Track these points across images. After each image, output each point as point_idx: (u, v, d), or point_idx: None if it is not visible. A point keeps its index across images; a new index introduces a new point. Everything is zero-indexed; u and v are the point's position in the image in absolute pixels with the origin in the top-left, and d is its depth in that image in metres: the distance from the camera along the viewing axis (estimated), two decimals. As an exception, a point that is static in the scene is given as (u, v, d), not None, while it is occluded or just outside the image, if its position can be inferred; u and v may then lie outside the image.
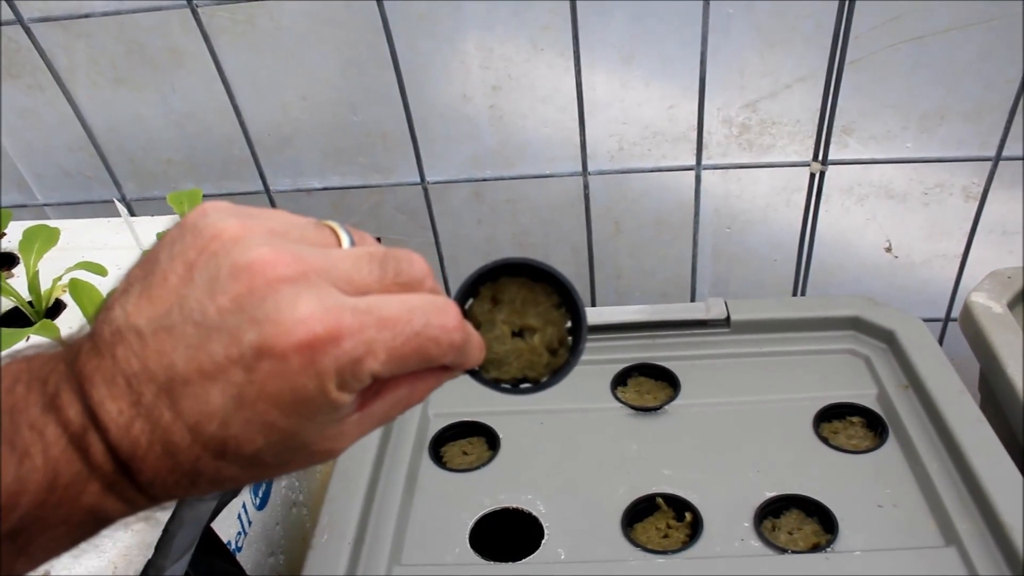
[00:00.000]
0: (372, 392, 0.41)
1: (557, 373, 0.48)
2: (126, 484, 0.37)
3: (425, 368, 0.41)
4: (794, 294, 1.30)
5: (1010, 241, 1.24)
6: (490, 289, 0.48)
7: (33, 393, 0.36)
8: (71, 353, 0.38)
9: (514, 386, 0.48)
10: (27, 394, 0.36)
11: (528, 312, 0.48)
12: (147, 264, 0.39)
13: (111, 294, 0.39)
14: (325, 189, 1.26)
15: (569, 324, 0.48)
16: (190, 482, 0.38)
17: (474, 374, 0.46)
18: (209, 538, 0.71)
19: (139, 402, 0.36)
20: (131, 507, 0.39)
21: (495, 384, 0.47)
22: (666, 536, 0.80)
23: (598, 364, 1.00)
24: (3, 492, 0.35)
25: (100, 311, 0.38)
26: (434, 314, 0.39)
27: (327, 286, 0.38)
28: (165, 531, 0.69)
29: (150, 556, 0.67)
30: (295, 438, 0.38)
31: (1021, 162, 1.15)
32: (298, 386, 0.36)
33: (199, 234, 0.38)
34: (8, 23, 1.10)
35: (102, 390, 0.36)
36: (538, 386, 0.48)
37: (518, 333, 0.48)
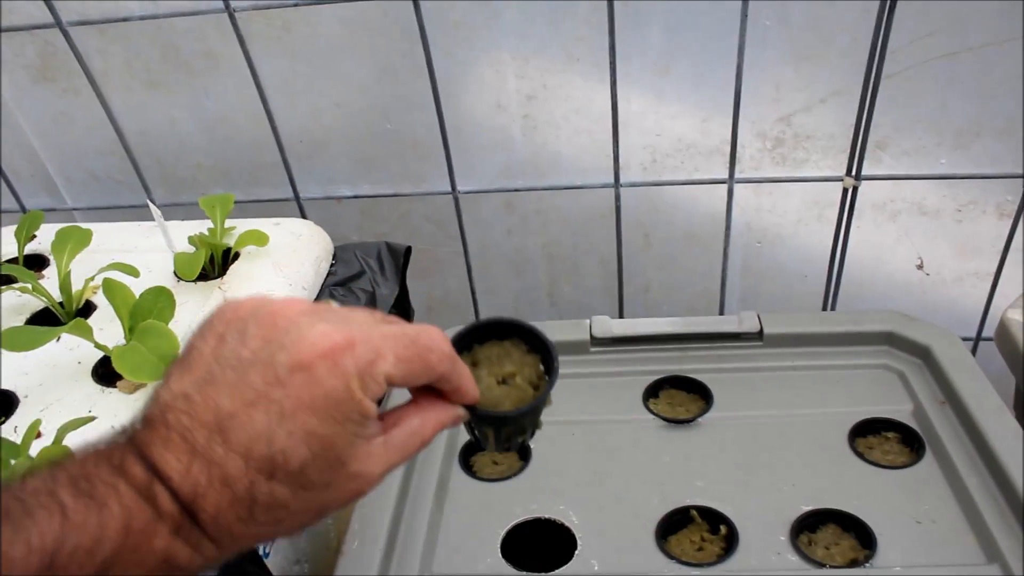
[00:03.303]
0: (391, 421, 0.49)
1: (543, 392, 0.56)
2: (191, 527, 0.43)
3: (429, 386, 0.50)
4: (823, 310, 1.29)
5: (1044, 260, 1.23)
6: (467, 356, 0.57)
7: (102, 465, 0.42)
8: (126, 435, 0.44)
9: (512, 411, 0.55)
10: (97, 465, 0.42)
11: (505, 362, 0.57)
12: (181, 356, 0.47)
13: (155, 388, 0.46)
14: (355, 197, 1.26)
15: (542, 366, 0.57)
16: (248, 513, 0.43)
17: (474, 412, 0.53)
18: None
19: (194, 449, 0.42)
20: (198, 552, 0.44)
21: (497, 413, 0.55)
22: (700, 549, 0.79)
23: (630, 376, 0.99)
24: (88, 537, 0.40)
25: (147, 402, 0.45)
26: (424, 330, 0.49)
27: (336, 318, 0.47)
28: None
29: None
30: (333, 448, 0.45)
31: (1056, 180, 1.14)
32: (328, 389, 0.44)
33: (221, 316, 0.47)
34: (46, 26, 1.11)
35: (160, 450, 0.42)
36: (532, 404, 0.55)
37: (503, 381, 0.56)
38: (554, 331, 1.00)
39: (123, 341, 0.82)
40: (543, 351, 0.58)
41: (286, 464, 0.43)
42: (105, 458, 0.43)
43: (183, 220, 1.09)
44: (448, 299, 1.36)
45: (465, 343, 0.58)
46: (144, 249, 1.06)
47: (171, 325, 0.83)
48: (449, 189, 1.22)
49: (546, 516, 0.83)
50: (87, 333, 0.81)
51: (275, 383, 0.44)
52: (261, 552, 0.80)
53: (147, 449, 0.43)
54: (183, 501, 0.42)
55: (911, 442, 0.89)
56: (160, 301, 0.85)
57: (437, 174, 1.21)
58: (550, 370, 0.57)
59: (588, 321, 1.02)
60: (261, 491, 0.43)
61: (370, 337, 0.46)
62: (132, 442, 0.43)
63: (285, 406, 0.43)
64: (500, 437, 0.58)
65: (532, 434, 0.60)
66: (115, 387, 0.81)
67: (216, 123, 1.20)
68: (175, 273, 0.99)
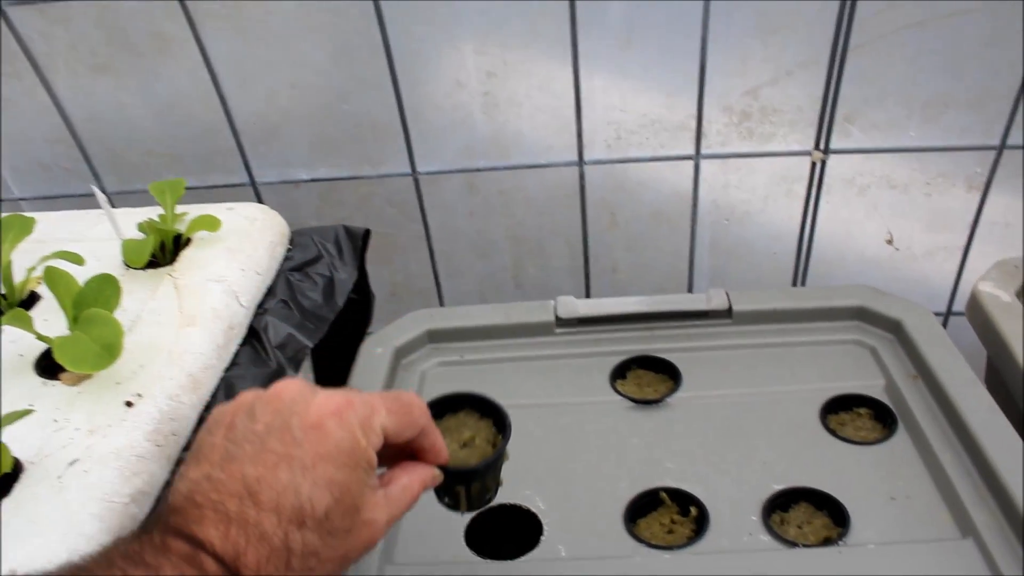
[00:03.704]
0: (385, 480, 0.56)
1: (500, 446, 0.64)
2: None
3: (408, 455, 0.59)
4: (793, 287, 1.27)
5: (1012, 233, 1.21)
6: None
7: (146, 547, 0.46)
8: (158, 523, 0.48)
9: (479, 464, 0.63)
10: (141, 547, 0.46)
11: (463, 429, 0.66)
12: (191, 453, 0.52)
13: (172, 485, 0.51)
14: (313, 181, 1.22)
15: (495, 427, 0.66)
16: (285, 564, 0.48)
17: (447, 471, 0.61)
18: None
19: (228, 516, 0.47)
20: None
21: (467, 468, 0.63)
22: (671, 531, 0.77)
23: (596, 357, 0.97)
24: None
25: (167, 497, 0.50)
26: (404, 392, 0.58)
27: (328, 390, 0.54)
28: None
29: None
30: (350, 493, 0.51)
31: (1025, 151, 1.13)
32: (339, 440, 0.51)
33: (222, 412, 0.53)
34: (-17, 7, 1.07)
35: (197, 526, 0.46)
36: (495, 455, 0.63)
37: (464, 445, 0.65)
38: (518, 313, 1.00)
39: (67, 332, 0.78)
40: (494, 414, 0.66)
41: (313, 511, 0.49)
42: (146, 542, 0.46)
43: (135, 208, 1.05)
44: (411, 284, 1.33)
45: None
46: (92, 238, 1.02)
47: (117, 314, 0.79)
48: (409, 170, 1.19)
49: (511, 502, 0.80)
50: (26, 324, 0.77)
51: (293, 443, 0.50)
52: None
53: (185, 528, 0.46)
54: (227, 563, 0.46)
55: (883, 418, 0.87)
56: (105, 289, 0.81)
57: (397, 156, 1.18)
58: (503, 427, 0.65)
59: (553, 302, 0.99)
60: (295, 541, 0.48)
61: (364, 397, 0.54)
62: (167, 527, 0.47)
63: (305, 461, 0.50)
64: (471, 493, 0.65)
65: (496, 491, 0.67)
66: (58, 380, 0.78)
67: (167, 107, 1.16)
68: (124, 261, 0.96)
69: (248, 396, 0.54)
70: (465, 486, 0.64)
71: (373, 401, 0.54)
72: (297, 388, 0.53)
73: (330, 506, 0.50)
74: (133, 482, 0.67)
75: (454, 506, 0.66)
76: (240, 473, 0.49)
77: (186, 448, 0.74)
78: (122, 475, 0.67)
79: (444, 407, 0.67)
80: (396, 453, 0.58)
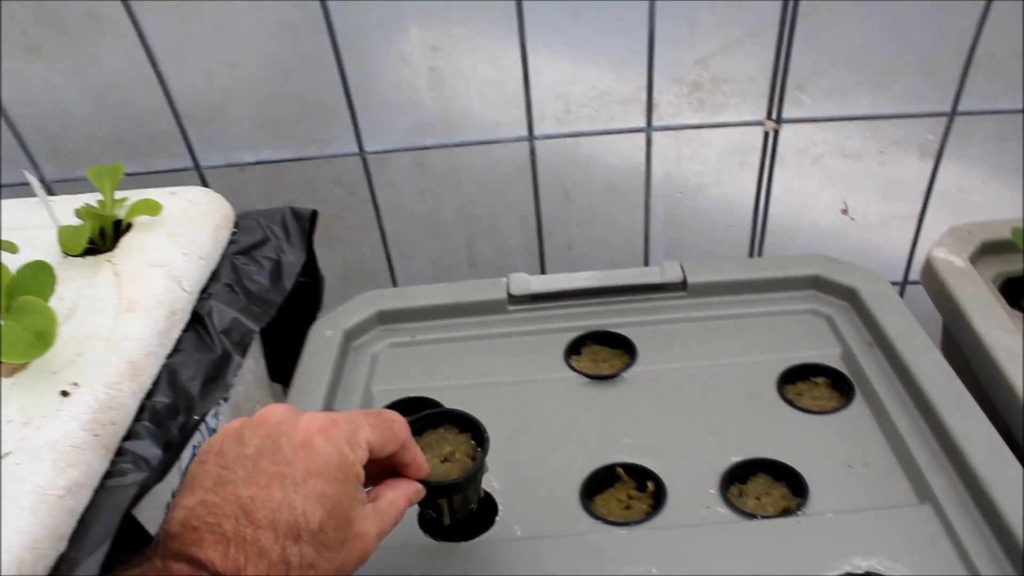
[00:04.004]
0: (373, 496, 0.58)
1: (480, 459, 0.67)
2: None
3: (391, 473, 0.61)
4: (748, 258, 1.26)
5: (965, 200, 1.21)
6: None
7: (147, 572, 0.47)
8: (154, 551, 0.48)
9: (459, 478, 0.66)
10: (142, 573, 0.47)
11: (443, 444, 0.69)
12: (182, 483, 0.53)
13: (165, 516, 0.51)
14: (259, 163, 1.19)
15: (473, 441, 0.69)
16: None
17: (429, 486, 0.63)
18: (130, 526, 0.65)
19: (226, 537, 0.48)
20: None
21: (448, 482, 0.65)
22: (628, 507, 0.76)
23: (550, 333, 0.95)
24: None
25: (162, 526, 0.50)
26: (384, 409, 0.60)
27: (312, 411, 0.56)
28: (81, 521, 0.63)
29: (63, 549, 0.61)
30: (341, 506, 0.53)
31: (976, 117, 1.12)
32: (328, 455, 0.53)
33: (210, 443, 0.55)
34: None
35: (195, 549, 0.47)
36: (474, 468, 0.66)
37: (445, 460, 0.68)
38: (470, 291, 0.98)
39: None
40: (472, 428, 0.69)
41: (308, 525, 0.51)
42: (147, 568, 0.47)
43: (75, 195, 1.02)
44: (363, 267, 1.30)
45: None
46: (29, 226, 0.98)
47: (54, 302, 0.77)
48: (357, 150, 1.17)
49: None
50: (-50, 315, 0.74)
51: (284, 462, 0.52)
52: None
53: (185, 551, 0.47)
54: None
55: (841, 386, 0.86)
56: (39, 277, 0.78)
57: (343, 135, 1.15)
58: (481, 441, 0.68)
59: (505, 279, 0.97)
60: (293, 554, 0.50)
61: (347, 415, 0.57)
62: (167, 552, 0.48)
63: (297, 478, 0.51)
64: (453, 506, 0.67)
65: (477, 503, 0.70)
66: (-9, 371, 0.75)
67: (104, 90, 1.12)
68: (61, 249, 0.93)
69: (235, 424, 0.56)
70: (447, 499, 0.67)
71: (356, 418, 0.57)
72: (282, 411, 0.56)
73: (323, 519, 0.51)
74: (69, 473, 0.64)
75: (438, 519, 0.69)
76: (234, 495, 0.50)
77: (126, 439, 0.72)
78: (56, 467, 0.64)
79: (424, 424, 0.69)
80: (379, 471, 0.61)
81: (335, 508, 0.52)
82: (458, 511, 0.68)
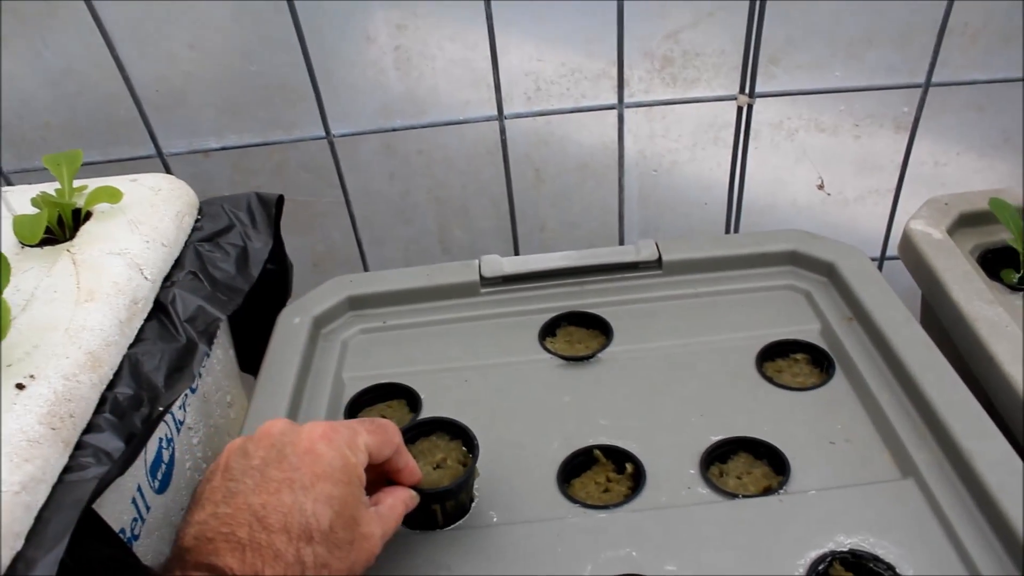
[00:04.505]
0: (373, 501, 0.60)
1: (471, 465, 0.69)
2: None
3: (389, 464, 0.63)
4: (724, 235, 1.25)
5: (941, 173, 1.20)
6: None
7: None
8: (175, 562, 0.50)
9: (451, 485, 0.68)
10: None
11: (435, 452, 0.71)
12: (191, 502, 0.55)
13: (177, 533, 0.53)
14: (223, 149, 1.16)
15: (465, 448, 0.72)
16: None
17: (423, 492, 0.66)
18: (91, 522, 0.63)
19: (242, 544, 0.50)
20: None
21: (441, 489, 0.67)
22: (607, 490, 0.74)
23: (524, 315, 0.93)
24: None
25: (175, 544, 0.52)
26: (377, 418, 0.64)
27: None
28: (38, 518, 0.61)
29: (19, 547, 0.58)
30: (348, 507, 0.55)
31: (950, 88, 1.11)
32: (331, 459, 0.56)
33: (217, 461, 0.57)
34: None
35: (212, 558, 0.49)
36: (465, 475, 0.68)
37: (437, 466, 0.70)
38: (441, 274, 0.95)
39: (-49, 314, 0.73)
40: (463, 435, 0.72)
41: (319, 525, 0.53)
42: None
43: (34, 185, 0.99)
44: (334, 253, 1.28)
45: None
46: (-15, 217, 0.95)
47: (8, 293, 0.74)
48: (323, 133, 1.14)
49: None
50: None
51: (291, 468, 0.55)
52: (127, 536, 0.73)
53: (203, 560, 0.49)
54: None
55: (820, 362, 0.85)
56: (-8, 267, 0.75)
57: (309, 119, 1.13)
58: (472, 447, 0.70)
59: (477, 261, 0.95)
60: (307, 555, 0.52)
61: (345, 422, 0.60)
62: (185, 563, 0.49)
63: (304, 482, 0.54)
64: (446, 511, 0.70)
65: (470, 506, 0.72)
66: (-56, 366, 0.72)
67: (61, 77, 1.09)
68: (17, 239, 0.90)
69: (237, 441, 0.58)
70: (440, 504, 0.69)
71: (353, 425, 0.60)
72: (283, 424, 0.59)
73: (333, 519, 0.54)
74: (24, 468, 0.62)
75: (432, 524, 0.70)
76: (245, 504, 0.52)
77: (87, 432, 0.69)
78: (11, 462, 0.61)
79: (416, 432, 0.72)
80: (375, 479, 0.63)
81: (343, 508, 0.55)
82: (451, 516, 0.70)
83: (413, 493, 0.64)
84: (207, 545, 0.50)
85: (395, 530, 0.61)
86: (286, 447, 0.56)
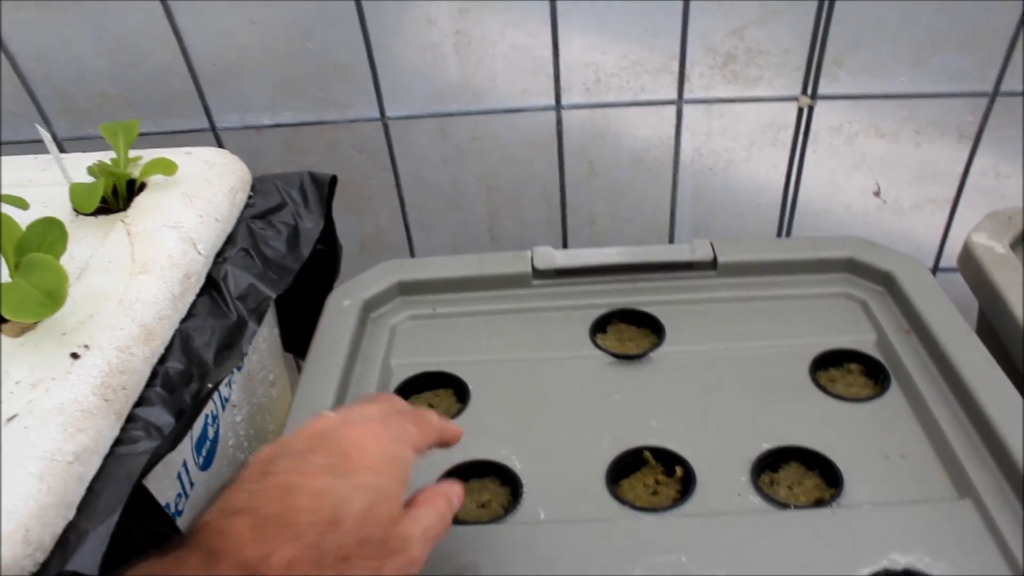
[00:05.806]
0: (415, 501, 0.57)
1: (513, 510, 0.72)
2: None
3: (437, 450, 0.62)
4: (781, 238, 1.23)
5: (1002, 185, 1.17)
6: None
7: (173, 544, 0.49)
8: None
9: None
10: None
11: (483, 492, 0.74)
12: (225, 487, 0.53)
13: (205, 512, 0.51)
14: (276, 126, 1.16)
15: None
16: (315, 564, 0.48)
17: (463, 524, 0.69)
18: (141, 497, 0.63)
19: (260, 520, 0.48)
20: None
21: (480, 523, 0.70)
22: (655, 493, 0.73)
23: (575, 310, 0.92)
24: None
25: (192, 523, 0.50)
26: (422, 410, 0.63)
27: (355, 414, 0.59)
28: (90, 489, 0.61)
29: (71, 517, 0.58)
30: (388, 500, 0.52)
31: (1020, 98, 1.08)
32: (379, 453, 0.54)
33: (259, 453, 0.55)
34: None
35: (222, 536, 0.47)
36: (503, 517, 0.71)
37: (482, 506, 0.73)
38: (493, 263, 0.95)
39: (8, 279, 0.73)
40: (512, 483, 0.74)
41: (350, 511, 0.50)
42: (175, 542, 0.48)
43: (88, 153, 0.98)
44: (381, 237, 1.27)
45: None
46: (41, 183, 0.95)
47: (65, 261, 0.74)
48: (378, 115, 1.13)
49: (486, 459, 0.76)
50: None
51: (334, 456, 0.53)
52: (172, 511, 0.73)
53: (237, 554, 0.47)
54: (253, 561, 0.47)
55: (875, 373, 0.83)
56: (50, 234, 0.75)
57: (364, 99, 1.12)
58: (518, 497, 0.72)
59: (530, 252, 0.94)
60: (328, 542, 0.49)
61: (391, 416, 0.58)
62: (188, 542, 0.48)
63: (346, 468, 0.52)
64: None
65: None
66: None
67: (119, 45, 1.09)
68: (72, 207, 0.90)
69: (281, 438, 0.57)
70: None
71: (399, 417, 0.59)
72: (330, 417, 0.57)
73: (366, 511, 0.51)
74: (78, 439, 0.62)
75: None
76: (277, 482, 0.50)
77: (138, 405, 0.69)
78: (66, 432, 0.61)
79: (468, 472, 0.75)
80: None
81: (380, 500, 0.52)
82: None
83: (456, 486, 0.60)
84: (223, 521, 0.48)
85: (442, 531, 0.57)
86: (333, 437, 0.55)
